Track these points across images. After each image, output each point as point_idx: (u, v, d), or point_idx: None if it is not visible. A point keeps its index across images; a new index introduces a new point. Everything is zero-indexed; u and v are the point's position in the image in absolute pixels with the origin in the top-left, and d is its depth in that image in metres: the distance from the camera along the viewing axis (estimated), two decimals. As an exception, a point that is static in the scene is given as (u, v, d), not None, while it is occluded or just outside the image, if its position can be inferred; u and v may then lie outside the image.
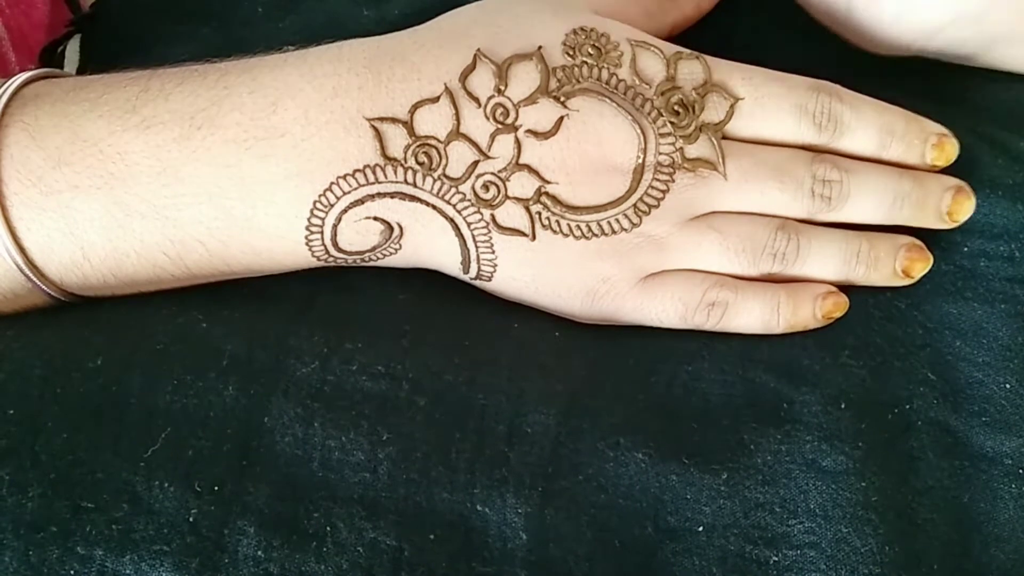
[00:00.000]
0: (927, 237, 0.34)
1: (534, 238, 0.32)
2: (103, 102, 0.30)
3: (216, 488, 0.28)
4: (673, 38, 0.35)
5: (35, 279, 0.30)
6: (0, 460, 0.28)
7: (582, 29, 0.32)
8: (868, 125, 0.34)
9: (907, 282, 0.34)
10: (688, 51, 0.33)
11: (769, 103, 0.33)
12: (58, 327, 0.31)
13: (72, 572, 0.27)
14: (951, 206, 0.34)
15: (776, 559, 0.30)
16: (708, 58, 0.33)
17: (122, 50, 0.41)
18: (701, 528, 0.30)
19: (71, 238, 0.30)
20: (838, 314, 0.33)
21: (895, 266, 0.34)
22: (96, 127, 0.30)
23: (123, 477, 0.28)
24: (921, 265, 0.34)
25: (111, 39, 0.43)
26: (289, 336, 0.31)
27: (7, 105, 0.30)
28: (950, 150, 0.34)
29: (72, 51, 0.44)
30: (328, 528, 0.28)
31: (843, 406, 0.32)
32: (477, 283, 0.33)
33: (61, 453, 0.28)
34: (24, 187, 0.30)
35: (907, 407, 0.32)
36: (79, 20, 0.44)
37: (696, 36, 0.35)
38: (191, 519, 0.27)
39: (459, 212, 0.31)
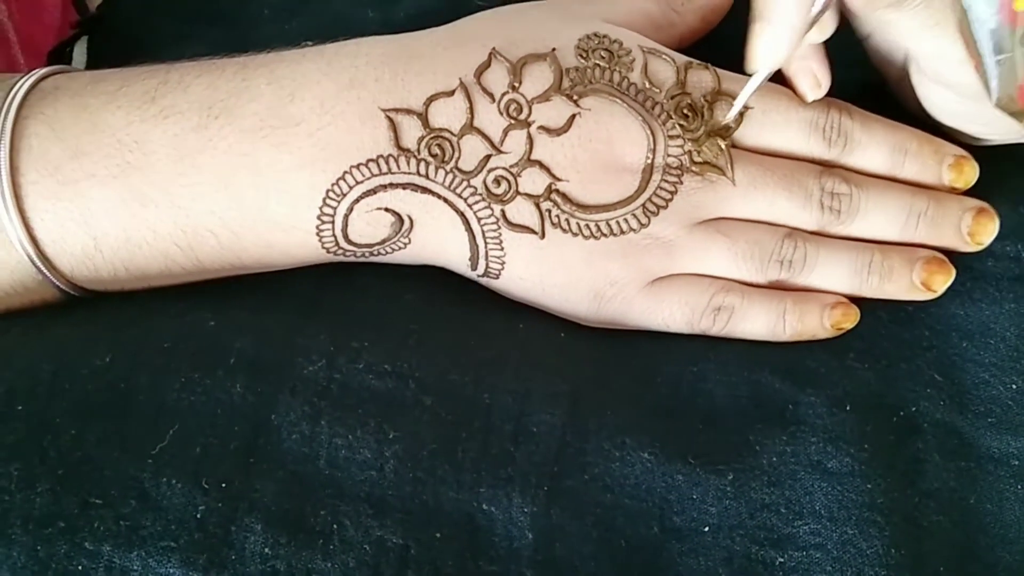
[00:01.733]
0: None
1: (543, 236, 0.32)
2: (122, 94, 0.31)
3: (223, 485, 0.28)
4: (680, 52, 0.35)
5: (46, 271, 0.30)
6: (9, 456, 0.28)
7: (595, 35, 0.33)
8: (879, 142, 0.34)
9: (929, 296, 0.34)
10: (699, 61, 0.34)
11: (778, 115, 0.33)
12: (67, 324, 0.31)
13: (80, 568, 0.27)
14: (972, 227, 0.34)
15: (782, 560, 0.30)
16: (718, 69, 0.34)
17: (129, 52, 0.41)
18: (707, 528, 0.30)
19: (84, 228, 0.30)
20: (848, 325, 0.33)
21: (912, 278, 0.33)
22: (115, 118, 0.30)
23: (131, 474, 0.28)
24: (942, 278, 0.33)
25: (118, 41, 0.43)
26: (296, 335, 0.31)
27: (26, 97, 0.31)
28: (969, 171, 0.34)
29: (79, 52, 0.45)
30: (335, 526, 0.28)
31: (848, 408, 0.32)
32: (484, 281, 0.33)
33: (69, 449, 0.28)
34: (41, 176, 0.30)
35: (913, 409, 0.32)
36: (86, 22, 0.44)
37: (704, 49, 0.35)
38: (198, 516, 0.27)
39: (470, 206, 0.32)
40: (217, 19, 0.41)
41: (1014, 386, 0.32)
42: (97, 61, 0.44)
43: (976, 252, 0.34)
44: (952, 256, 0.34)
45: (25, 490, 0.27)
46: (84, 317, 0.31)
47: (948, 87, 0.32)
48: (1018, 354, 0.33)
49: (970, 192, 0.35)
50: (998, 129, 0.33)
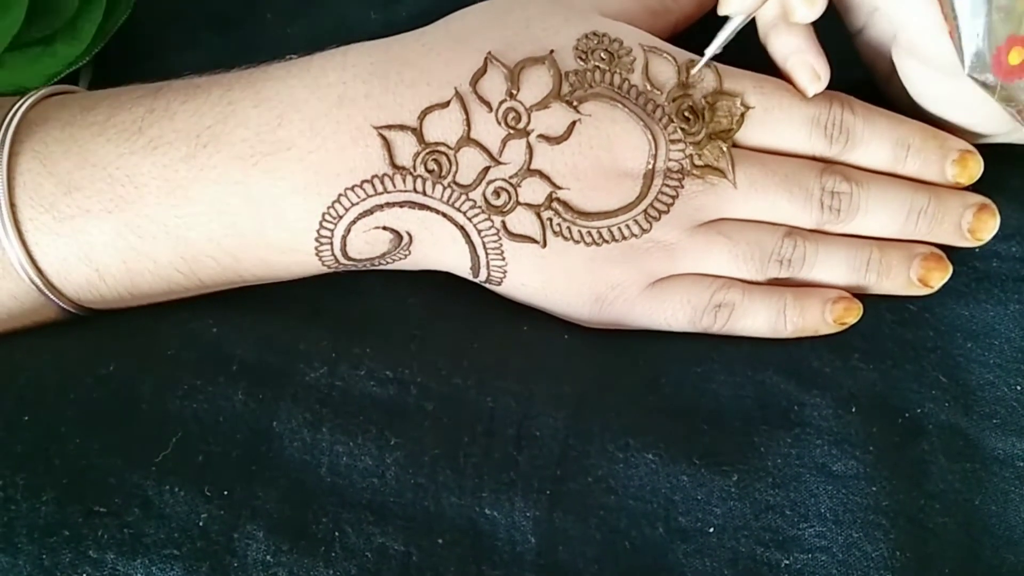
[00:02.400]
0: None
1: (545, 245, 0.32)
2: (110, 124, 0.31)
3: (226, 493, 0.28)
4: (677, 36, 0.35)
5: (53, 298, 0.31)
6: (15, 466, 0.28)
7: (594, 34, 0.32)
8: (881, 138, 0.33)
9: (926, 291, 0.34)
10: (700, 58, 0.33)
11: (779, 113, 0.33)
12: (72, 334, 0.31)
13: (84, 576, 0.27)
14: (973, 223, 0.33)
15: (788, 562, 0.30)
16: (720, 66, 0.33)
17: (135, 58, 0.42)
18: (712, 529, 0.30)
19: (86, 261, 0.30)
20: (850, 319, 0.33)
21: (910, 275, 0.33)
22: (105, 151, 0.30)
23: (134, 482, 0.28)
24: (939, 275, 0.33)
25: (125, 48, 0.43)
26: (298, 341, 0.31)
27: (16, 131, 0.31)
28: (973, 166, 0.34)
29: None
30: (336, 533, 0.28)
31: (853, 410, 0.32)
32: (487, 286, 0.33)
33: (74, 458, 0.28)
34: (38, 213, 0.30)
35: (918, 411, 0.32)
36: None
37: (699, 35, 0.35)
38: (201, 523, 0.28)
39: (469, 219, 0.31)
40: (221, 25, 0.41)
41: (1019, 387, 0.32)
42: (104, 67, 0.44)
43: (981, 252, 0.34)
44: (957, 257, 0.34)
45: (31, 499, 0.27)
46: (88, 327, 0.31)
47: (926, 62, 0.32)
48: (1022, 355, 0.33)
49: (975, 192, 0.34)
50: (982, 116, 0.33)
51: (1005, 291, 0.33)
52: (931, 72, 0.32)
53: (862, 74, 0.36)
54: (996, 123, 0.33)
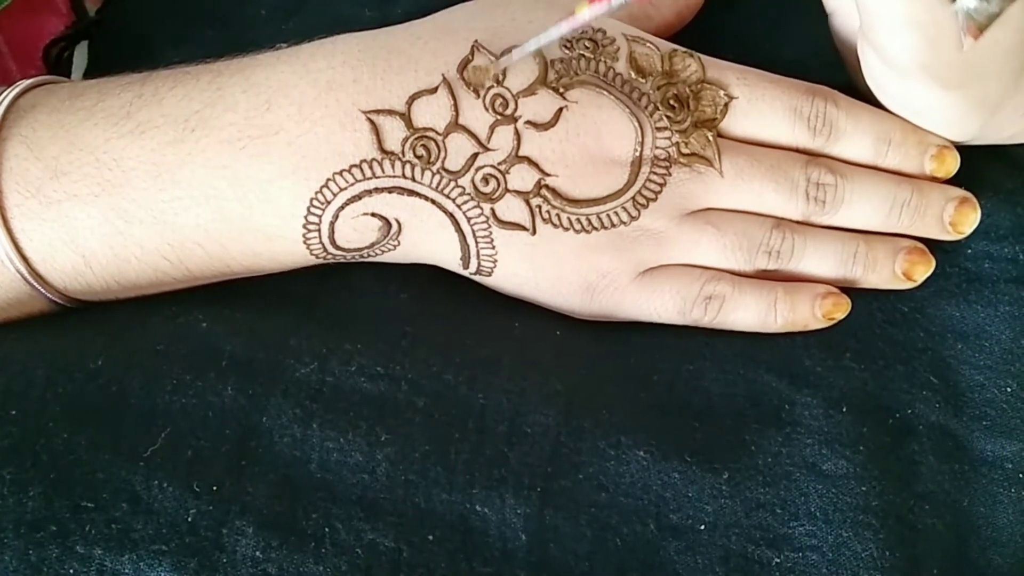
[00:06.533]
0: (931, 239, 0.34)
1: (534, 232, 0.32)
2: (98, 109, 0.31)
3: (215, 488, 0.28)
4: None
5: (39, 287, 0.31)
6: (2, 460, 0.28)
7: None
8: (864, 131, 0.34)
9: (909, 285, 0.34)
10: (683, 49, 0.33)
11: (763, 104, 0.33)
12: (61, 328, 0.31)
13: (71, 571, 0.27)
14: (954, 216, 0.34)
15: (778, 560, 0.30)
16: (703, 56, 0.33)
17: (129, 55, 0.42)
18: (703, 527, 0.30)
19: (72, 246, 0.30)
20: (839, 315, 0.33)
21: (895, 268, 0.34)
22: (92, 135, 0.30)
23: (122, 477, 0.28)
24: (923, 268, 0.34)
25: (118, 44, 0.43)
26: (289, 336, 0.31)
27: (4, 118, 0.30)
28: (950, 162, 0.34)
29: (80, 56, 0.45)
30: (327, 529, 0.28)
31: (844, 409, 0.32)
32: (477, 278, 0.33)
33: (62, 453, 0.28)
34: (24, 198, 0.30)
35: (908, 411, 0.32)
36: (87, 26, 0.44)
37: (687, 34, 0.35)
38: (190, 519, 0.28)
39: (458, 206, 0.31)
40: (215, 21, 0.41)
41: (1008, 389, 0.32)
42: (98, 64, 0.44)
43: (973, 253, 0.34)
44: (949, 258, 0.34)
45: (17, 494, 0.27)
46: (77, 320, 0.31)
47: (880, 54, 0.31)
48: (1012, 357, 0.33)
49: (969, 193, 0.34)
50: (936, 120, 0.33)
51: (996, 293, 0.34)
52: (885, 68, 0.32)
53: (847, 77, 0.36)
54: (950, 127, 0.33)
